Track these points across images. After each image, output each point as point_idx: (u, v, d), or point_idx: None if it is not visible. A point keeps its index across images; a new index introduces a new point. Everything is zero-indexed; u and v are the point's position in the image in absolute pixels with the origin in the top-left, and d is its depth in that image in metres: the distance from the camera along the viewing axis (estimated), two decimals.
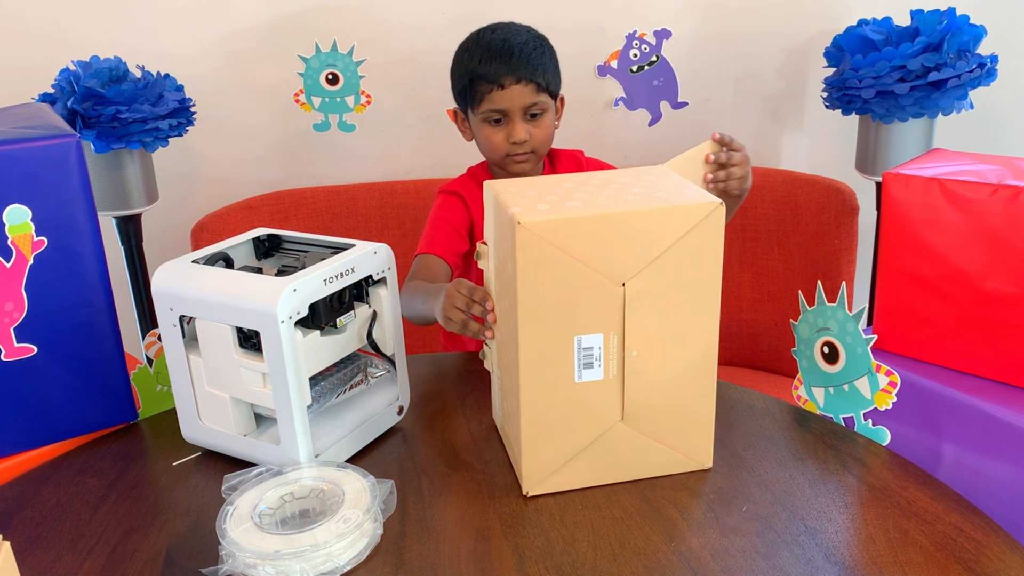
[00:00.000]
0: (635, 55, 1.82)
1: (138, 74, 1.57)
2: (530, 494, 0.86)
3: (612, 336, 0.82)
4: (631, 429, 0.85)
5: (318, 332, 0.88)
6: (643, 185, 0.84)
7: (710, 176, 1.06)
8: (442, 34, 1.79)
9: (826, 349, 0.97)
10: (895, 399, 0.93)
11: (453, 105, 1.34)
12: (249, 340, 0.87)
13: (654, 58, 1.82)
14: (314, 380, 0.90)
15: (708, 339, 0.84)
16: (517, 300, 0.79)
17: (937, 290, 0.95)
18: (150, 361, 1.04)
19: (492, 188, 0.87)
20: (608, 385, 0.83)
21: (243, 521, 0.76)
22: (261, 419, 0.93)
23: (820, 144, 1.95)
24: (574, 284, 0.79)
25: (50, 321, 0.93)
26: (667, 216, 0.78)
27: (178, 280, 0.88)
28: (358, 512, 0.77)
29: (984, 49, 1.57)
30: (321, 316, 0.87)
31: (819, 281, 1.02)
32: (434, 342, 1.76)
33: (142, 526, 0.83)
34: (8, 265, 0.90)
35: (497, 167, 1.31)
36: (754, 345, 1.80)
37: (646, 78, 1.84)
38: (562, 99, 1.31)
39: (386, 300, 0.94)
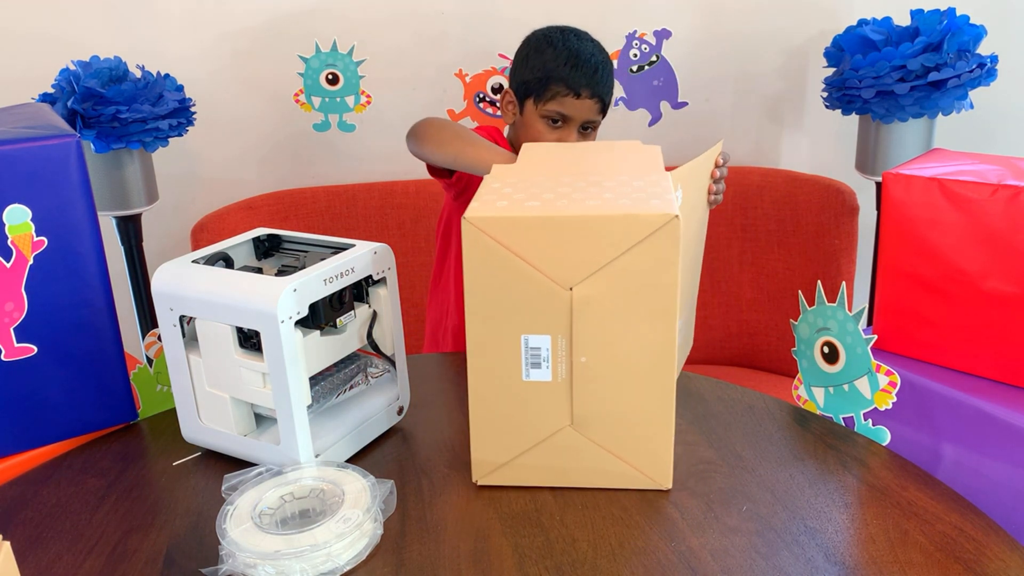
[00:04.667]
0: (635, 55, 1.82)
1: (138, 74, 1.57)
2: (479, 483, 0.87)
3: (560, 339, 0.80)
4: (582, 436, 0.84)
5: (318, 332, 0.88)
6: (621, 190, 0.82)
7: (713, 188, 1.07)
8: (442, 34, 1.80)
9: (826, 349, 0.97)
10: (895, 399, 0.93)
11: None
12: (249, 340, 0.87)
13: (654, 58, 1.82)
14: (314, 380, 0.90)
15: (664, 356, 0.79)
16: (464, 294, 0.80)
17: (937, 290, 0.95)
18: (150, 361, 1.04)
19: (497, 169, 0.92)
20: (557, 388, 0.82)
21: (243, 521, 0.76)
22: (261, 419, 0.93)
23: (820, 144, 1.95)
24: (520, 283, 0.78)
25: (50, 321, 0.93)
26: (617, 224, 0.76)
27: (178, 280, 0.88)
28: (358, 512, 0.77)
29: (984, 49, 1.57)
30: (321, 316, 0.87)
31: (819, 281, 1.02)
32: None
33: (142, 526, 0.83)
34: (8, 265, 0.90)
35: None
36: (754, 345, 1.80)
37: (646, 78, 1.84)
38: None
39: (386, 300, 0.94)
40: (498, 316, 0.80)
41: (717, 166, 1.07)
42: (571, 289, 0.78)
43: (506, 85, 1.38)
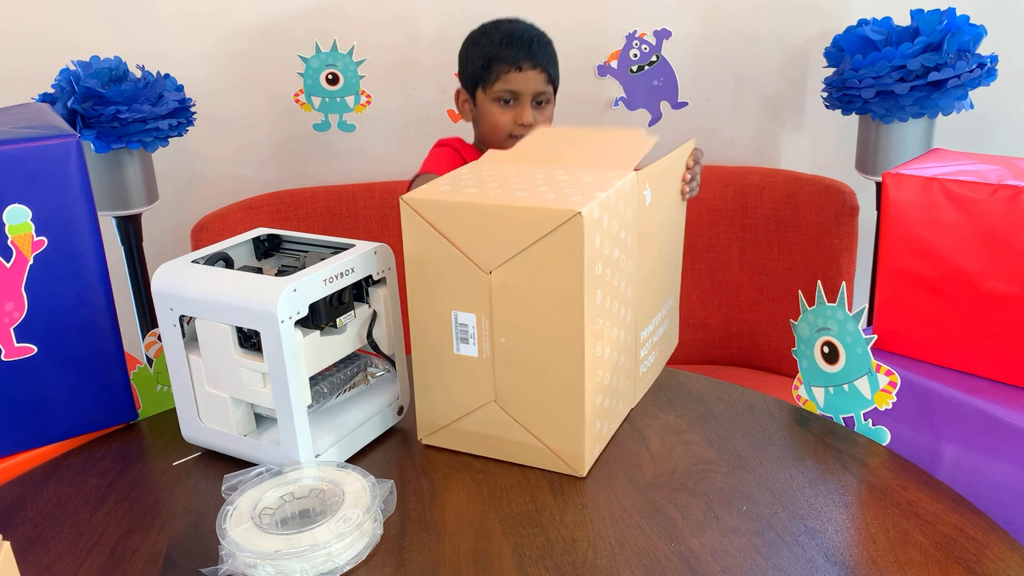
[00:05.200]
0: (635, 55, 1.82)
1: (138, 74, 1.57)
2: (424, 442, 0.94)
3: (483, 318, 0.85)
4: (503, 411, 0.88)
5: (318, 332, 0.88)
6: (563, 182, 0.87)
7: (686, 189, 1.09)
8: (442, 35, 1.80)
9: (826, 349, 0.97)
10: (895, 399, 0.93)
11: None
12: (249, 340, 0.87)
13: (654, 58, 1.82)
14: (314, 380, 0.90)
15: (572, 345, 0.83)
16: (404, 269, 0.87)
17: (937, 290, 0.95)
18: (150, 361, 1.04)
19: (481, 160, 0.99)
20: (482, 364, 0.87)
21: (243, 521, 0.76)
22: (261, 419, 0.93)
23: (820, 144, 1.95)
24: (449, 263, 0.84)
25: (50, 321, 0.93)
26: (527, 216, 0.81)
27: (178, 280, 0.88)
28: (358, 512, 0.77)
29: (984, 49, 1.57)
30: (321, 316, 0.87)
31: (819, 281, 1.02)
32: None
33: (142, 526, 0.83)
34: (8, 265, 0.90)
35: (494, 149, 1.34)
36: (754, 345, 1.80)
37: (646, 78, 1.84)
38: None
39: (386, 300, 0.94)
40: (432, 292, 0.87)
41: (688, 167, 1.08)
42: (491, 273, 0.83)
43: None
